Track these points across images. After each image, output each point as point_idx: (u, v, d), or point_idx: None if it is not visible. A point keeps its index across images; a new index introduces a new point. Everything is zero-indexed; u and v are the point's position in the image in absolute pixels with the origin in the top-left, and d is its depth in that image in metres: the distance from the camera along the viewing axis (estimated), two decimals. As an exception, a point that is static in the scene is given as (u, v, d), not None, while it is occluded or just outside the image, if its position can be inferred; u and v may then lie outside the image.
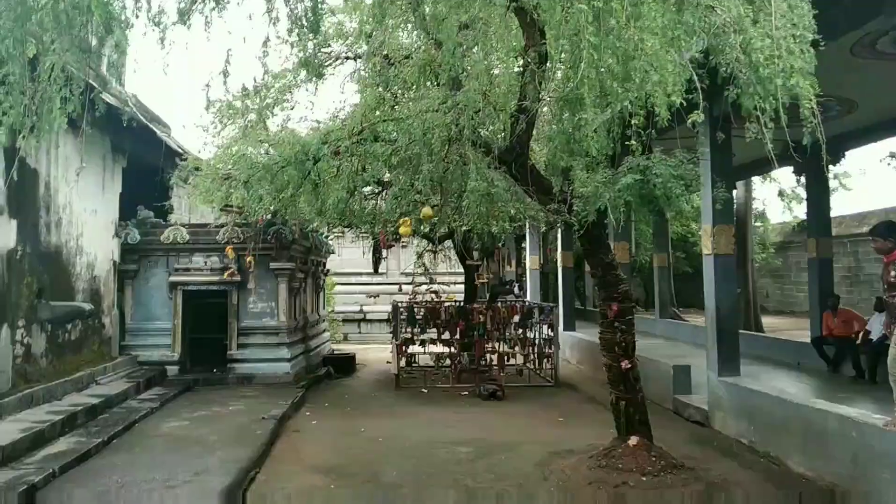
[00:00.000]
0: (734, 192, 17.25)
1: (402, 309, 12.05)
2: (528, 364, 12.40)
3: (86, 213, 9.59)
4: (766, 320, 20.37)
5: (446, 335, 12.04)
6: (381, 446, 7.94)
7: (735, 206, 17.39)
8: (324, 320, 15.62)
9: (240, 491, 6.15)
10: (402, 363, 12.06)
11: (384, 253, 14.31)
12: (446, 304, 12.28)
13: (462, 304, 12.62)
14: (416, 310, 12.05)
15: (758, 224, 26.71)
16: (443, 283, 15.69)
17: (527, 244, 18.71)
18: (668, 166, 6.02)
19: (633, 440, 6.75)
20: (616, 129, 5.90)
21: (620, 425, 6.91)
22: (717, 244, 8.27)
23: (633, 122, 5.03)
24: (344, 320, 20.11)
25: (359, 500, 6.00)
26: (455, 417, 9.52)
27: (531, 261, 18.71)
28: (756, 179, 20.43)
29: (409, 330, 12.05)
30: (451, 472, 6.86)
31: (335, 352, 15.28)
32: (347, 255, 20.98)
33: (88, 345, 9.69)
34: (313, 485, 6.48)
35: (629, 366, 6.77)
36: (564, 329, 15.54)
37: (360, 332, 20.30)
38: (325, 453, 7.61)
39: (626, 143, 5.15)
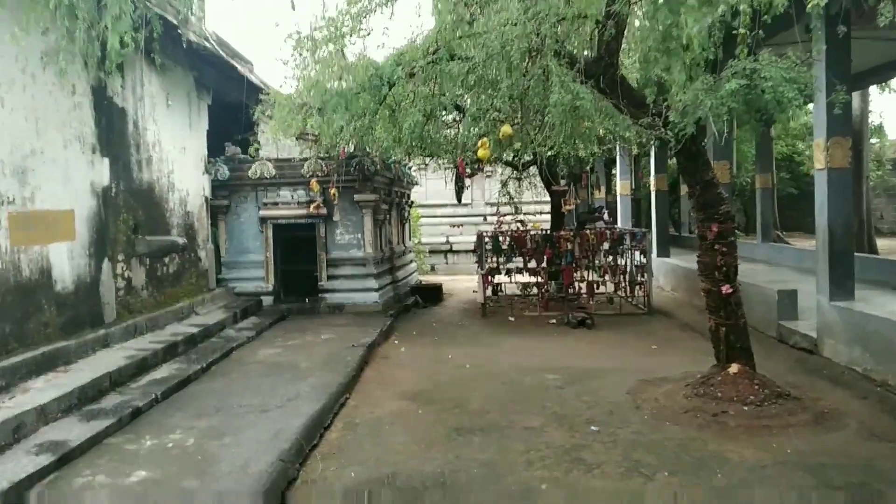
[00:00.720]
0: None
1: (486, 238, 11.84)
2: (618, 292, 12.01)
3: (175, 151, 9.81)
4: (881, 242, 18.80)
5: (533, 264, 11.79)
6: (468, 373, 7.91)
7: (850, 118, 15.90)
8: (410, 251, 15.68)
9: (330, 415, 6.27)
10: (489, 292, 11.94)
11: (467, 182, 14.04)
12: (532, 232, 11.97)
13: (549, 231, 12.25)
14: (501, 239, 11.81)
15: (873, 140, 24.42)
16: (528, 213, 15.32)
17: (617, 169, 17.93)
18: (778, 69, 5.36)
19: (733, 368, 6.36)
20: (717, 34, 5.30)
21: (720, 353, 6.51)
22: (832, 157, 7.48)
23: (738, 16, 4.45)
24: (430, 251, 20.19)
25: (446, 424, 5.98)
26: (542, 345, 9.37)
27: (622, 186, 17.95)
28: (873, 90, 18.44)
29: (494, 259, 11.86)
30: (539, 398, 6.73)
31: (422, 282, 15.37)
32: (432, 186, 20.85)
33: (186, 277, 10.10)
34: (401, 409, 6.52)
35: (730, 290, 6.31)
36: (658, 255, 14.93)
37: (446, 263, 20.36)
38: (412, 379, 7.66)
39: (733, 37, 4.57)
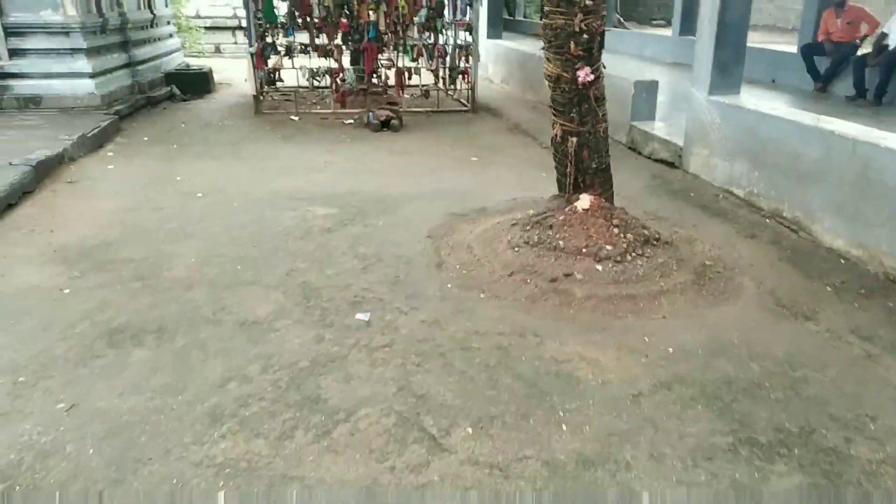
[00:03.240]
0: None
1: (254, 1, 8.33)
2: (437, 83, 9.31)
3: None
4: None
5: (323, 40, 8.62)
6: (196, 207, 5.11)
7: None
8: (168, 22, 11.61)
9: None
10: (263, 81, 8.75)
11: None
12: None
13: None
14: (275, 2, 8.37)
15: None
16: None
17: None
18: None
19: (583, 201, 4.14)
20: None
21: (566, 178, 4.21)
22: None
23: None
24: (213, 27, 15.90)
25: (98, 320, 3.30)
26: (326, 158, 6.66)
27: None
28: None
29: (269, 32, 8.51)
30: (291, 254, 4.18)
31: (189, 67, 11.60)
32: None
33: None
34: (32, 289, 3.68)
35: (591, 77, 3.85)
36: (489, 37, 12.26)
37: (235, 43, 16.24)
38: (96, 221, 4.73)
39: None
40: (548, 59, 3.95)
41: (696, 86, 5.61)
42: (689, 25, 12.66)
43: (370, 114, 7.99)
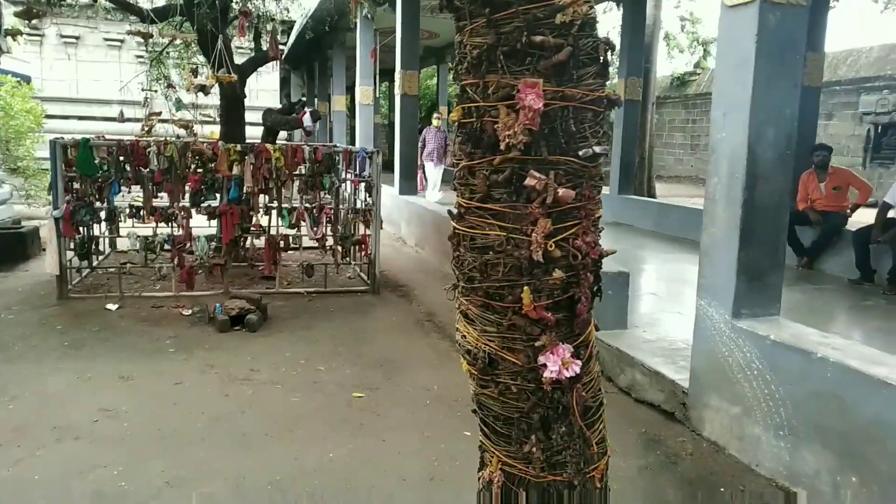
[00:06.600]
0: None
1: (67, 147, 5.97)
2: (327, 250, 6.97)
3: None
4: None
5: (165, 200, 6.29)
6: None
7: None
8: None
9: None
10: (71, 255, 6.24)
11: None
12: (160, 140, 6.34)
13: (201, 142, 6.66)
14: (97, 152, 6.03)
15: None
16: (206, 117, 9.47)
17: (357, 64, 12.78)
18: None
19: None
20: None
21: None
22: None
23: None
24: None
25: None
26: (106, 400, 4.00)
27: (361, 93, 12.95)
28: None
29: (85, 189, 6.11)
30: None
31: (20, 224, 8.98)
32: (87, 72, 13.99)
33: None
34: None
35: (575, 369, 1.53)
36: (402, 192, 10.34)
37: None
38: None
39: None
40: (465, 314, 1.63)
41: (707, 298, 3.46)
42: (626, 184, 11.26)
43: (217, 305, 5.52)
